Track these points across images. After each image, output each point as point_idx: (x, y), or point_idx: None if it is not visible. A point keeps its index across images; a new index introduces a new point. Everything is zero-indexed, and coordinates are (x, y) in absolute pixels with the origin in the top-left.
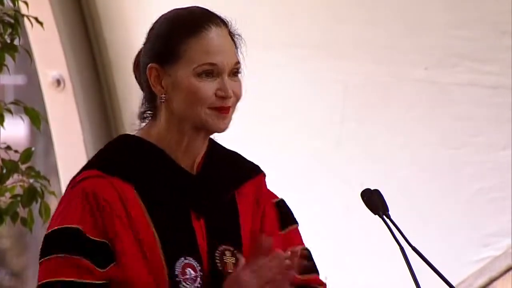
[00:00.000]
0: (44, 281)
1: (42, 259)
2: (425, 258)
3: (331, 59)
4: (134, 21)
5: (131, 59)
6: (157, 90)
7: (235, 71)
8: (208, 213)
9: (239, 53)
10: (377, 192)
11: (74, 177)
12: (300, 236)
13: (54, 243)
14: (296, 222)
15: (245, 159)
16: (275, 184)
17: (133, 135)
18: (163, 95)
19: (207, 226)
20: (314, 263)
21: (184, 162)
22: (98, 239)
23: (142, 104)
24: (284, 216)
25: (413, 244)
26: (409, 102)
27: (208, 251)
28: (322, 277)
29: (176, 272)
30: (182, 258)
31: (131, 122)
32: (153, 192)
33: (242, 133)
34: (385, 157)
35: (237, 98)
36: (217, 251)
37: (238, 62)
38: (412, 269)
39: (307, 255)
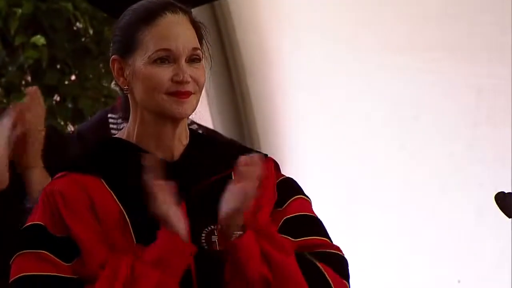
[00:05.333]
0: (12, 279)
1: (12, 259)
2: None
3: (465, 63)
4: (268, 24)
5: (265, 63)
6: (120, 82)
7: (194, 57)
8: (190, 197)
9: (204, 42)
10: (511, 195)
11: None
12: (299, 204)
13: (19, 241)
14: (298, 194)
15: (246, 147)
16: (406, 187)
17: (108, 137)
18: (125, 87)
19: (188, 209)
20: (318, 228)
21: (160, 152)
22: (59, 235)
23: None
24: (283, 193)
25: None
26: None
27: (191, 232)
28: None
29: None
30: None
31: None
32: (123, 181)
33: (374, 135)
34: None
35: (198, 84)
36: (204, 232)
37: (197, 48)
38: None
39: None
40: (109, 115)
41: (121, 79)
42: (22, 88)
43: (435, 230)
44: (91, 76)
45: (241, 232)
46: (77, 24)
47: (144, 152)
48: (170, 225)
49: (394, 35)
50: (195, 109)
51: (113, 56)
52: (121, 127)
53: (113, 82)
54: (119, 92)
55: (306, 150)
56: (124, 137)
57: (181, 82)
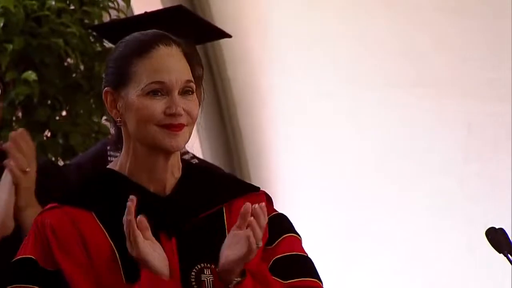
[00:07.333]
0: None
1: None
2: None
3: (455, 99)
4: (259, 61)
5: (255, 98)
6: (113, 114)
7: (187, 89)
8: (181, 233)
9: (196, 72)
10: (501, 231)
11: None
12: (290, 243)
13: (10, 275)
14: (289, 233)
15: (239, 179)
16: (397, 221)
17: (102, 168)
18: (118, 119)
19: (179, 246)
20: (308, 269)
21: (152, 185)
22: (50, 269)
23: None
24: (274, 230)
25: None
26: None
27: (181, 270)
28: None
29: None
30: None
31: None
32: (114, 216)
33: (365, 171)
34: (508, 196)
35: (191, 116)
36: (194, 270)
37: (190, 81)
38: None
39: (299, 259)
40: (108, 147)
41: (114, 111)
42: (14, 124)
43: (426, 266)
44: (82, 112)
45: (239, 279)
46: (68, 60)
47: (135, 186)
48: (151, 267)
49: (385, 70)
50: (187, 141)
51: (105, 88)
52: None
53: (104, 117)
54: (110, 124)
55: (296, 184)
56: (116, 168)
57: (174, 115)
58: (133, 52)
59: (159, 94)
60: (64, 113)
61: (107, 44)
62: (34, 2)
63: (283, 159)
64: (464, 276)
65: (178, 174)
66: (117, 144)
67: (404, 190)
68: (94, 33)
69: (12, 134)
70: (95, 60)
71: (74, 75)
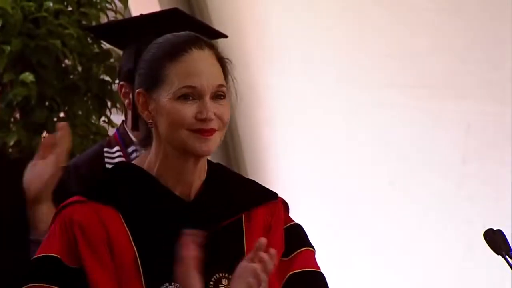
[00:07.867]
0: None
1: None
2: None
3: (454, 99)
4: (257, 61)
5: (253, 99)
6: (144, 115)
7: (219, 94)
8: (202, 241)
9: (230, 77)
10: (499, 232)
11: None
12: (305, 258)
13: (33, 271)
14: (305, 246)
15: (259, 185)
16: (396, 221)
17: (130, 163)
18: (150, 120)
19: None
20: (321, 286)
21: (178, 188)
22: (75, 266)
23: (142, 132)
24: (291, 241)
25: None
26: None
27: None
28: None
29: None
30: (166, 284)
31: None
32: (140, 219)
33: (362, 172)
34: (507, 197)
35: (222, 120)
36: (212, 279)
37: (222, 85)
38: None
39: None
40: (105, 149)
41: (146, 112)
42: (11, 125)
43: (425, 266)
44: (79, 113)
45: None
46: (66, 61)
47: (162, 188)
48: None
49: (383, 71)
50: (218, 145)
51: (138, 90)
52: (115, 160)
53: (102, 118)
54: (107, 126)
55: (295, 185)
56: (144, 167)
57: (205, 120)
58: (166, 55)
59: (190, 98)
60: (62, 114)
61: (105, 46)
62: (31, 3)
63: (281, 160)
64: (464, 276)
65: (203, 176)
66: (145, 143)
67: (403, 190)
68: (92, 35)
69: (60, 124)
70: (92, 62)
71: (71, 76)
